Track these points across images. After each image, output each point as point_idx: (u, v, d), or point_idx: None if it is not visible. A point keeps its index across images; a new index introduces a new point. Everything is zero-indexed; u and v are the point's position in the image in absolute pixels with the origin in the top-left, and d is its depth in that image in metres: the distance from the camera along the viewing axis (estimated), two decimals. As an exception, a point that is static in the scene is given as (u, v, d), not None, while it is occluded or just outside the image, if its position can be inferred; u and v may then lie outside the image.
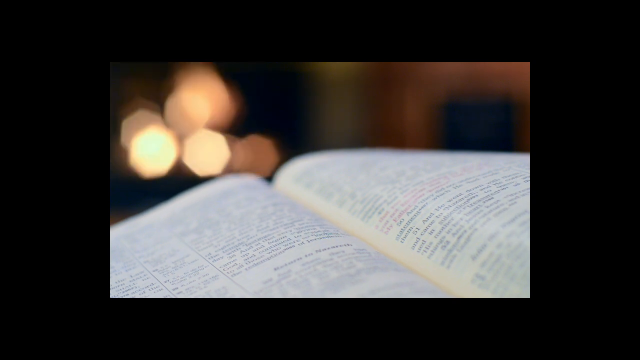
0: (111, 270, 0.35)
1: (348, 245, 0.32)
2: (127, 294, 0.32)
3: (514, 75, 1.74)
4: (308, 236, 0.32)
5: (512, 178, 0.32)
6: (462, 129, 1.82)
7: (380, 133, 1.90)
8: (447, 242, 0.30)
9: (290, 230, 0.33)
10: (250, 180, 0.43)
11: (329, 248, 0.31)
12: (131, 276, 0.34)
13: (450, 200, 0.32)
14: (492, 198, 0.31)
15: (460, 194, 0.32)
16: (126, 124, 1.83)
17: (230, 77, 1.87)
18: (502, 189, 0.32)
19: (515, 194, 0.31)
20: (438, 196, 0.33)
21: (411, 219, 0.32)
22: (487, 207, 0.30)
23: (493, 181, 0.33)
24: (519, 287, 0.26)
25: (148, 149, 1.86)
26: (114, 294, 0.32)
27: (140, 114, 1.84)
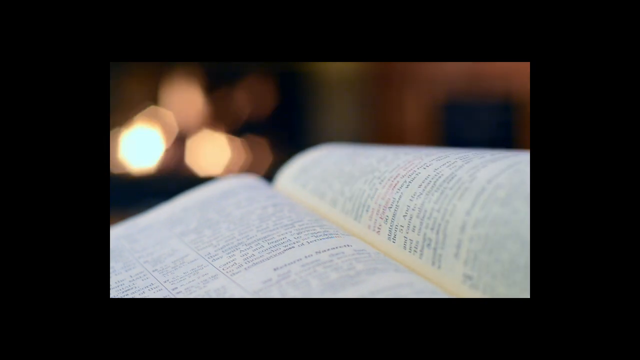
0: (111, 270, 0.35)
1: (348, 246, 0.32)
2: (127, 294, 0.32)
3: (514, 75, 1.74)
4: (308, 237, 0.32)
5: (480, 153, 0.32)
6: (462, 129, 1.82)
7: (380, 133, 1.90)
8: (430, 239, 0.30)
9: (290, 231, 0.33)
10: (251, 181, 0.43)
11: (329, 249, 0.31)
12: (131, 276, 0.34)
13: (420, 186, 0.32)
14: (455, 176, 0.31)
15: (429, 176, 0.32)
16: (126, 124, 1.83)
17: (231, 77, 1.87)
18: (467, 162, 0.31)
19: (476, 166, 0.30)
20: (410, 182, 0.32)
21: (394, 215, 0.32)
22: (451, 188, 0.30)
23: (461, 157, 0.32)
24: (502, 286, 0.26)
25: (148, 148, 1.85)
26: (113, 294, 0.32)
27: (140, 114, 1.84)
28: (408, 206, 0.32)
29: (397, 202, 0.32)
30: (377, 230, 0.33)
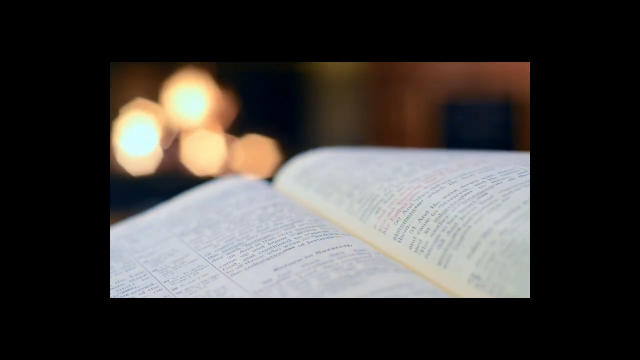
0: (111, 270, 0.35)
1: (348, 246, 0.32)
2: (127, 294, 0.32)
3: (514, 75, 1.74)
4: (308, 237, 0.32)
5: (507, 173, 0.32)
6: (462, 129, 1.82)
7: (380, 133, 1.90)
8: (443, 240, 0.30)
9: (291, 232, 0.33)
10: (251, 181, 0.43)
11: (329, 249, 0.31)
12: (131, 276, 0.34)
13: (445, 197, 0.32)
14: (486, 194, 0.31)
15: (455, 190, 0.32)
16: (126, 124, 1.83)
17: (230, 77, 1.87)
18: (497, 184, 0.32)
19: (509, 188, 0.31)
20: (433, 193, 0.33)
21: (407, 217, 0.32)
22: (481, 203, 0.30)
23: (488, 177, 0.33)
24: (513, 287, 0.26)
25: (148, 149, 1.85)
26: (113, 294, 0.32)
27: (140, 114, 1.84)
28: (427, 211, 0.32)
29: (415, 207, 0.32)
30: (383, 230, 0.33)
